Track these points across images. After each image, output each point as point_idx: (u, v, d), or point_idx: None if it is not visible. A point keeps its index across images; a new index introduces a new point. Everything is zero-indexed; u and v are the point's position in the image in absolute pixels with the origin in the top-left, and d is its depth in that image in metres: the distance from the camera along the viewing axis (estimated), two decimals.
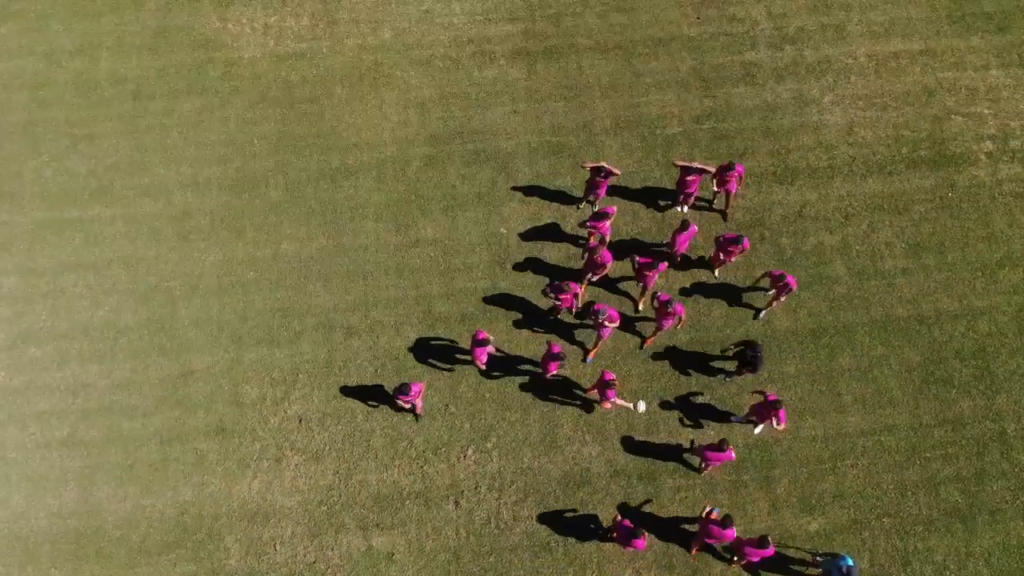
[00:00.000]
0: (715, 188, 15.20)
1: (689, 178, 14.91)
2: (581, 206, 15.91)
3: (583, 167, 15.16)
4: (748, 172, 16.30)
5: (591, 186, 15.13)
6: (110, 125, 16.88)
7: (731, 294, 15.23)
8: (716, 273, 15.29)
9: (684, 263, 15.45)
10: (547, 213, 16.00)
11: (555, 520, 13.62)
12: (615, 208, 14.71)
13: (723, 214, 15.75)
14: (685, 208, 15.75)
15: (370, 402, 14.23)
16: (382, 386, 14.34)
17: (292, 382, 14.61)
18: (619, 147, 16.60)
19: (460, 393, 14.50)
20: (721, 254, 14.55)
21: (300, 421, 14.33)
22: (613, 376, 13.01)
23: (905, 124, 16.92)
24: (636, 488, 13.80)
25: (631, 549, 12.61)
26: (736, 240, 14.14)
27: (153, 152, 16.61)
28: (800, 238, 15.76)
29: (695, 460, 13.92)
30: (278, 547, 13.48)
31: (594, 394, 14.25)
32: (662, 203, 15.99)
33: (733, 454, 12.84)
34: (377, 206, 16.11)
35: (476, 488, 13.85)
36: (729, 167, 14.52)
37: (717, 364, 14.66)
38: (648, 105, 17.07)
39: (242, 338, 14.97)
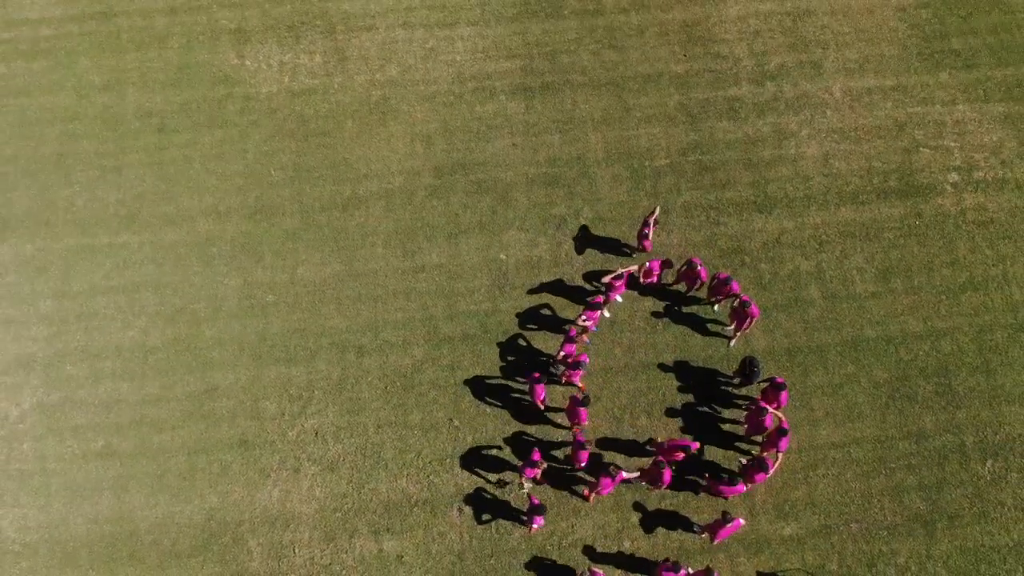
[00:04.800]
0: (675, 281, 16.55)
1: (617, 283, 15.97)
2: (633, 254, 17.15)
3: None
4: (730, 202, 17.58)
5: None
6: (137, 157, 18.14)
7: (708, 321, 16.51)
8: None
9: (661, 293, 16.75)
10: (543, 240, 17.25)
11: (551, 524, 14.84)
12: (588, 402, 14.69)
13: (686, 291, 16.70)
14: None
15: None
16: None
17: (308, 398, 15.86)
18: (610, 178, 17.88)
19: (463, 408, 15.75)
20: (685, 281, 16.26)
21: (316, 434, 15.58)
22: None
23: (877, 156, 18.20)
24: (624, 495, 15.03)
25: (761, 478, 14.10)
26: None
27: (177, 182, 17.87)
28: (778, 264, 17.03)
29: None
30: (297, 550, 14.72)
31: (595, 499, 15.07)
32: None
33: (741, 521, 13.93)
34: (386, 233, 17.37)
35: (479, 495, 15.09)
36: (692, 265, 15.82)
37: (721, 380, 16.00)
38: (638, 138, 18.35)
39: (262, 357, 16.21)
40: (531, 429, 15.55)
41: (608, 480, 14.14)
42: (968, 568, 14.57)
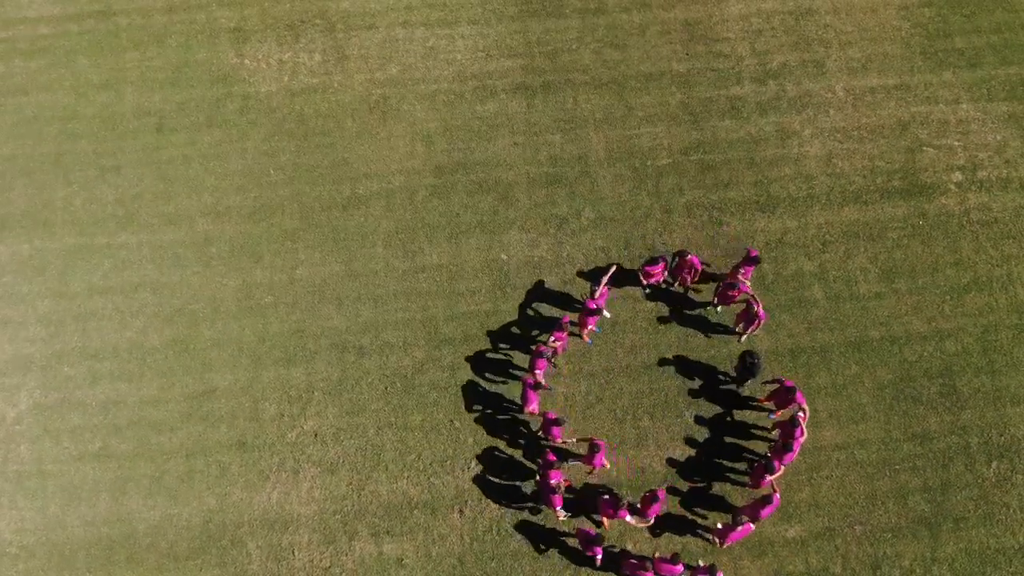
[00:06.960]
0: (673, 279, 16.36)
1: (604, 292, 15.62)
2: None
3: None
4: (732, 202, 17.46)
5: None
6: (135, 156, 18.01)
7: (711, 322, 16.39)
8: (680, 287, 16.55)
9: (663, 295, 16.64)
10: (544, 240, 17.13)
11: (551, 527, 14.72)
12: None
13: (685, 291, 16.56)
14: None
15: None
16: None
17: (308, 399, 15.73)
18: (612, 178, 17.75)
19: (464, 409, 15.62)
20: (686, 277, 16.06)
21: (316, 436, 15.45)
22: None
23: (880, 155, 18.07)
24: (625, 497, 14.88)
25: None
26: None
27: (176, 182, 17.74)
28: (781, 264, 16.90)
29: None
30: (296, 553, 14.60)
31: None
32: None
33: (751, 525, 13.68)
34: (386, 233, 17.24)
35: (479, 498, 14.97)
36: (683, 254, 15.63)
37: (721, 377, 15.90)
38: (639, 137, 18.22)
39: (261, 358, 16.09)
40: (529, 429, 15.43)
41: (614, 512, 13.82)
42: (973, 571, 14.45)
